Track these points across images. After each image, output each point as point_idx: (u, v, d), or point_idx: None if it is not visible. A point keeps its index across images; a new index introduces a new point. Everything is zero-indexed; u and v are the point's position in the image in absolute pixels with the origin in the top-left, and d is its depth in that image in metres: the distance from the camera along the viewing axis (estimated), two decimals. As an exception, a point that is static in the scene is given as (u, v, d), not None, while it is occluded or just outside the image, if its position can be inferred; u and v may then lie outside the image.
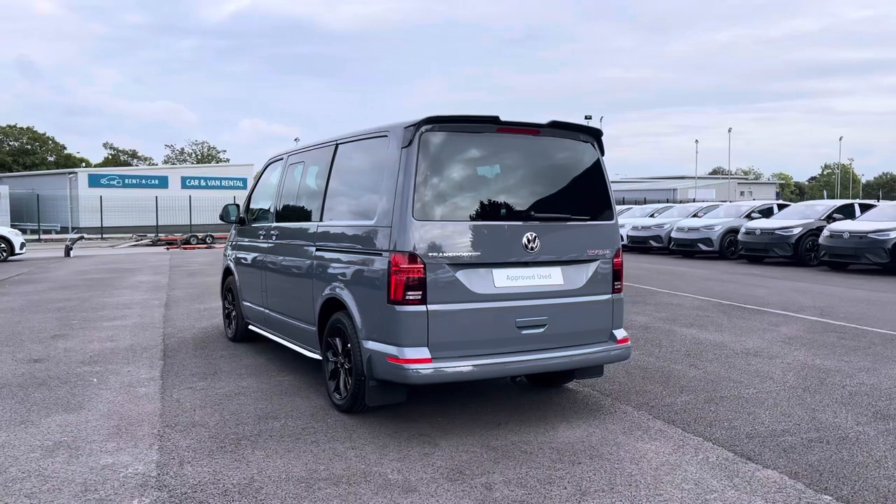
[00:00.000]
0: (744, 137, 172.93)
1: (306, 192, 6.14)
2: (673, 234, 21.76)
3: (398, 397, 4.85)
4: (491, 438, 4.66)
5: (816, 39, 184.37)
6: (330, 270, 5.37)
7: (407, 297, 4.51)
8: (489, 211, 4.82)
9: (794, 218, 18.97)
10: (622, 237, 24.24)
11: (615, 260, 5.27)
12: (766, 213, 21.13)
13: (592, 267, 5.15)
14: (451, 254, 4.61)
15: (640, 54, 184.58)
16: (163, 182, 47.35)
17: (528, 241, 4.82)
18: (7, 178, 50.75)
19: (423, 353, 4.51)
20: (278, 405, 5.38)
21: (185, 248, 29.36)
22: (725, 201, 34.00)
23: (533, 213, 4.90)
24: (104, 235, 39.15)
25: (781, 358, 7.09)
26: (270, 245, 6.68)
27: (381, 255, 4.69)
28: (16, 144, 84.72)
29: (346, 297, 5.06)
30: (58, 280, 15.17)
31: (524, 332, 4.81)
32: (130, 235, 38.51)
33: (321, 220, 5.65)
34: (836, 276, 15.46)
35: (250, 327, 7.39)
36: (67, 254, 25.62)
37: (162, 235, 36.07)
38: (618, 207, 25.01)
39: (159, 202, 40.70)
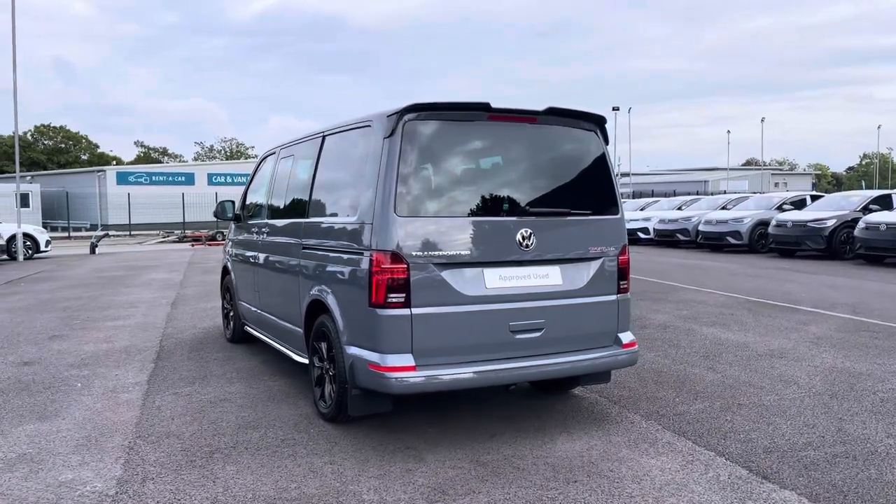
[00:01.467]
0: (779, 127, 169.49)
1: (295, 186, 5.83)
2: (700, 228, 21.11)
3: (383, 407, 4.51)
4: (482, 452, 4.30)
5: (854, 26, 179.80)
6: (315, 270, 5.05)
7: (389, 300, 4.17)
8: (480, 206, 4.46)
9: (828, 209, 18.23)
10: (649, 231, 23.67)
11: (621, 257, 4.87)
12: (799, 204, 20.38)
13: (595, 265, 4.76)
14: (437, 252, 4.25)
15: (671, 44, 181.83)
16: (189, 179, 47.64)
17: (523, 238, 4.44)
18: (39, 177, 51.51)
19: (407, 360, 4.16)
20: (262, 413, 5.09)
21: (210, 245, 29.38)
22: (757, 193, 33.09)
23: (528, 207, 4.52)
24: (132, 232, 39.51)
25: (808, 360, 6.61)
26: (262, 243, 6.39)
27: (362, 254, 4.35)
28: (50, 143, 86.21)
29: (330, 299, 4.73)
30: (74, 278, 15.12)
31: (518, 336, 4.44)
32: (158, 232, 38.78)
33: (307, 216, 5.34)
34: (871, 270, 14.77)
35: (246, 328, 7.12)
36: (93, 251, 25.78)
37: (188, 232, 36.25)
38: (644, 200, 24.48)
39: (186, 199, 40.91)
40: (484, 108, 4.42)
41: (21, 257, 22.24)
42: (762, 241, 19.50)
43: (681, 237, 22.42)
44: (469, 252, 4.32)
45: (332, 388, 4.70)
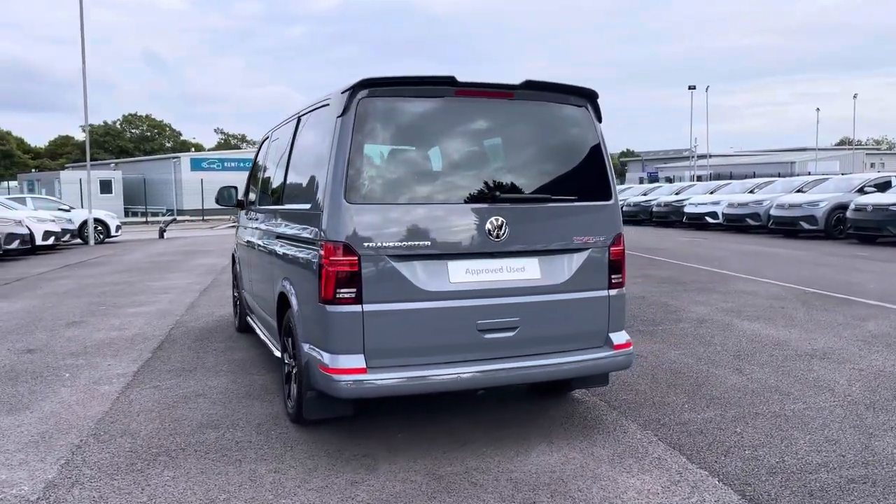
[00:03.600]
0: (876, 104, 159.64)
1: (275, 171, 5.53)
2: (772, 212, 19.82)
3: (342, 410, 4.16)
4: (444, 463, 3.89)
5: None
6: (282, 261, 4.74)
7: (338, 296, 3.80)
8: (444, 191, 4.03)
9: (914, 192, 16.76)
10: (717, 215, 22.51)
11: (613, 248, 4.34)
12: (883, 186, 18.81)
13: (581, 258, 4.25)
14: (393, 243, 3.84)
15: (760, 18, 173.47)
16: (260, 164, 48.48)
17: (493, 227, 3.98)
18: (121, 164, 53.64)
19: (357, 361, 3.79)
20: (232, 410, 4.83)
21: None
22: (846, 174, 30.99)
23: (500, 193, 4.05)
24: (205, 217, 40.57)
25: (853, 362, 5.88)
26: (251, 230, 6.14)
27: (314, 245, 4.00)
28: (137, 132, 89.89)
29: (290, 292, 4.41)
30: (127, 263, 15.45)
31: (488, 336, 4.00)
32: (230, 217, 39.69)
33: (282, 202, 5.03)
34: (958, 258, 13.45)
35: (247, 318, 6.91)
36: (161, 235, 26.52)
37: (257, 217, 36.93)
38: (715, 183, 23.27)
39: (256, 184, 41.60)
40: (449, 81, 3.97)
41: (92, 241, 23.05)
42: (839, 227, 18.15)
43: (751, 222, 21.17)
44: (430, 243, 3.90)
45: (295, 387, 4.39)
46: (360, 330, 3.80)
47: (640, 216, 28.12)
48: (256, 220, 6.04)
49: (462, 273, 3.97)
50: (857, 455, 3.95)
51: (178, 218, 35.25)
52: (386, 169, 3.99)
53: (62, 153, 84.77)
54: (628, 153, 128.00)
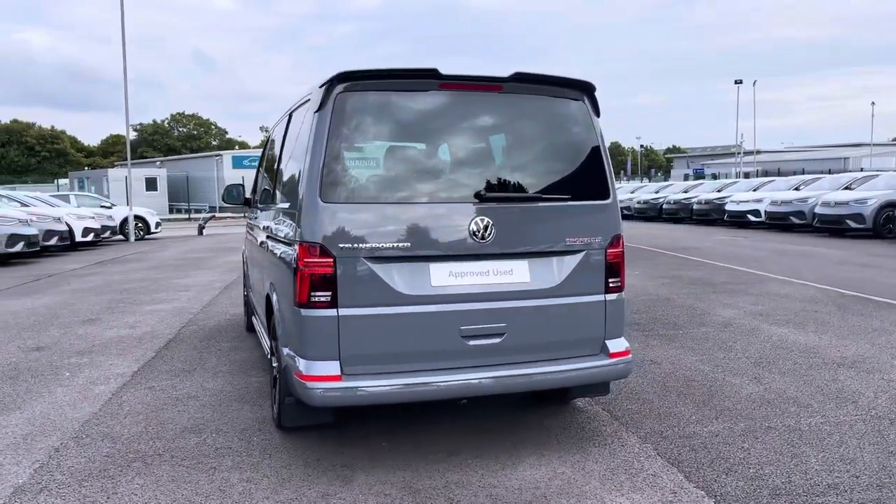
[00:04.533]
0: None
1: (269, 168, 5.41)
2: (817, 210, 19.05)
3: (322, 418, 4.01)
4: (424, 476, 3.70)
5: None
6: (269, 262, 4.61)
7: (313, 299, 3.63)
8: (426, 190, 3.83)
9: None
10: (760, 213, 21.80)
11: (611, 250, 4.08)
12: (937, 183, 17.97)
13: (574, 260, 4.00)
14: (370, 245, 3.66)
15: (814, 10, 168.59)
16: (301, 162, 48.85)
17: (478, 227, 3.76)
18: (166, 162, 54.70)
19: (332, 368, 3.62)
20: (221, 414, 4.71)
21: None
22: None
23: (486, 192, 3.83)
24: (245, 214, 41.00)
25: (884, 373, 5.50)
26: (252, 229, 6.04)
27: (292, 245, 3.84)
28: (184, 130, 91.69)
29: (273, 294, 4.28)
30: (159, 259, 15.62)
31: (472, 342, 3.78)
32: (270, 214, 40.08)
33: (274, 201, 4.89)
34: None
35: (252, 318, 6.82)
36: (200, 232, 26.87)
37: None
38: (759, 180, 22.46)
39: (297, 181, 41.91)
40: (431, 74, 3.77)
41: (132, 238, 23.47)
42: (889, 226, 17.36)
43: (795, 220, 20.39)
44: (410, 244, 3.70)
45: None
46: (335, 335, 3.63)
47: (681, 214, 27.44)
48: (256, 218, 5.94)
49: (444, 276, 3.77)
50: (873, 476, 3.63)
51: (218, 215, 35.65)
52: (364, 166, 3.82)
53: (113, 151, 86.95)
54: (674, 149, 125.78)
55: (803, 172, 41.24)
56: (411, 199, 3.76)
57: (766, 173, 48.40)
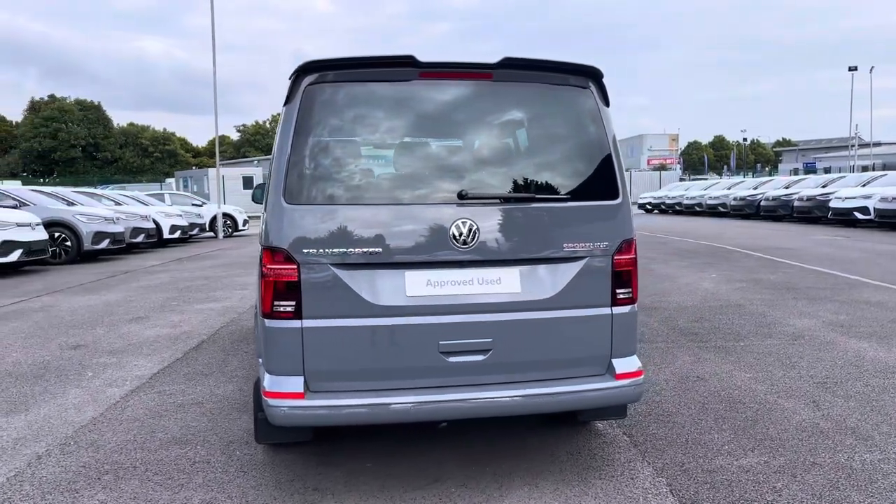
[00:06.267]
0: None
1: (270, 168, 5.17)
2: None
3: (297, 435, 3.71)
4: (396, 505, 3.36)
5: None
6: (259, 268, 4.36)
7: (276, 309, 3.35)
8: (404, 190, 3.46)
9: None
10: (869, 210, 20.09)
11: (618, 258, 3.58)
12: None
13: (574, 268, 3.53)
14: (338, 249, 3.33)
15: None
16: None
17: (460, 231, 3.37)
18: (262, 161, 56.48)
19: (295, 385, 3.32)
20: (215, 424, 4.52)
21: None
22: None
23: (469, 191, 3.42)
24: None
25: (972, 399, 4.71)
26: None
27: (260, 251, 3.57)
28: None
29: (256, 302, 4.03)
30: (234, 257, 15.91)
31: (452, 359, 3.40)
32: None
33: (264, 202, 4.65)
34: None
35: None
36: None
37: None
38: (870, 174, 20.74)
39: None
40: (409, 62, 3.40)
41: (220, 235, 24.22)
42: None
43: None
44: (382, 250, 3.35)
45: (261, 405, 4.00)
46: (299, 348, 3.33)
47: (780, 212, 25.75)
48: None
49: (422, 285, 3.39)
50: (928, 534, 3.00)
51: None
52: (336, 165, 3.49)
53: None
54: (784, 142, 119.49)
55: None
56: (385, 200, 3.41)
57: (884, 167, 44.97)
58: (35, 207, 14.78)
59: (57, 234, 14.72)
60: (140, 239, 17.70)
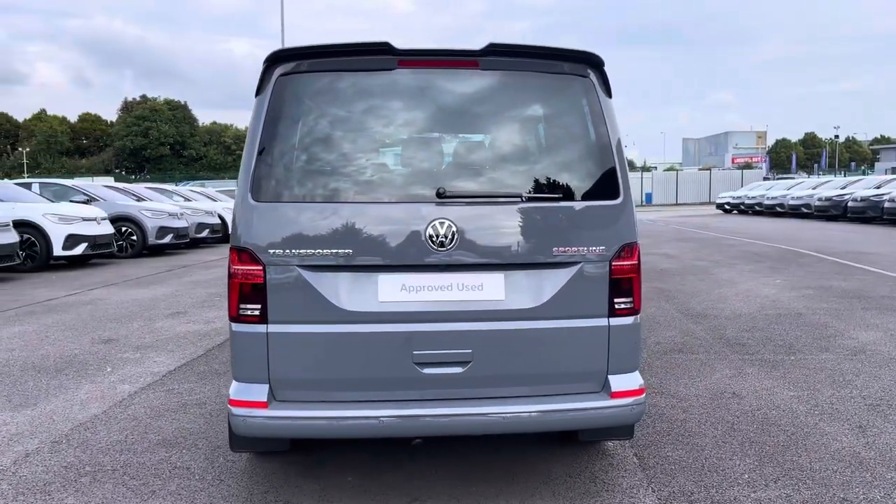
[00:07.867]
0: None
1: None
2: None
3: (272, 445, 3.53)
4: (364, 526, 3.12)
5: None
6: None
7: (241, 313, 3.17)
8: (379, 188, 3.22)
9: None
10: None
11: (617, 263, 3.23)
12: None
13: (566, 275, 3.21)
14: (306, 250, 3.12)
15: None
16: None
17: (437, 232, 3.10)
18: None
19: (258, 393, 3.13)
20: (209, 426, 4.39)
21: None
22: None
23: (448, 190, 3.14)
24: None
25: None
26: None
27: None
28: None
29: (239, 302, 3.86)
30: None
31: (427, 371, 3.13)
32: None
33: None
34: None
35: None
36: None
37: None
38: (881, 177, 19.34)
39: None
40: (384, 50, 3.15)
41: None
42: None
43: None
44: (352, 251, 3.12)
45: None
46: (264, 355, 3.14)
47: (869, 213, 24.14)
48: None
49: (395, 290, 3.15)
50: None
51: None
52: (308, 160, 3.27)
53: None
54: (882, 139, 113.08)
55: None
56: (358, 198, 3.18)
57: None
58: (104, 203, 15.31)
59: (124, 229, 15.19)
60: (205, 234, 18.10)
